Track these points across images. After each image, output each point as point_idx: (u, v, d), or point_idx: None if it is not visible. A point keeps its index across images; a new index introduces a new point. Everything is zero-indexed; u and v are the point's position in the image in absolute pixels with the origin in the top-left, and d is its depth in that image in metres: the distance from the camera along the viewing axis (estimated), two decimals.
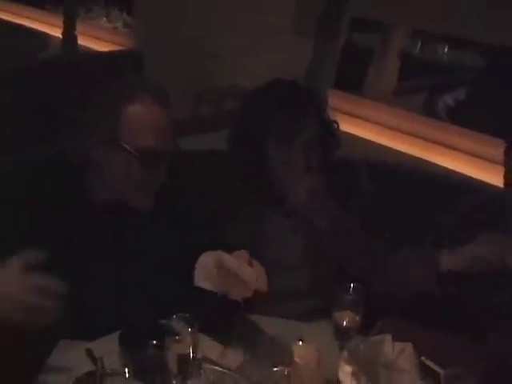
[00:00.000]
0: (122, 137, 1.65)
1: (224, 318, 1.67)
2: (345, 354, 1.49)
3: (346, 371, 1.46)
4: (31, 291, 1.38)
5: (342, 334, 1.55)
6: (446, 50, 5.56)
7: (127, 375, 1.32)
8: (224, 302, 1.59)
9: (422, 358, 1.53)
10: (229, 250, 1.63)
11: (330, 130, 2.02)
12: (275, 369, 1.39)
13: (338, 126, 2.07)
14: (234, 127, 2.04)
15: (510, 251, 1.77)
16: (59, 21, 4.65)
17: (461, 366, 1.40)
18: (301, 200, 1.95)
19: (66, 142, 1.75)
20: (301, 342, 1.52)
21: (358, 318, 1.54)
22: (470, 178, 2.84)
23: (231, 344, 1.64)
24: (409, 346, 1.55)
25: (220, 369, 1.53)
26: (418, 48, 5.46)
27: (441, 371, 1.46)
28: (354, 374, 1.45)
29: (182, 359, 1.42)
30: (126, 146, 1.64)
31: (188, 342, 1.42)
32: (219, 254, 1.60)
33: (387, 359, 1.52)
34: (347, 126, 3.24)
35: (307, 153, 1.92)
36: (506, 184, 1.93)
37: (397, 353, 1.53)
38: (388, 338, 1.56)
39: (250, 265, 1.63)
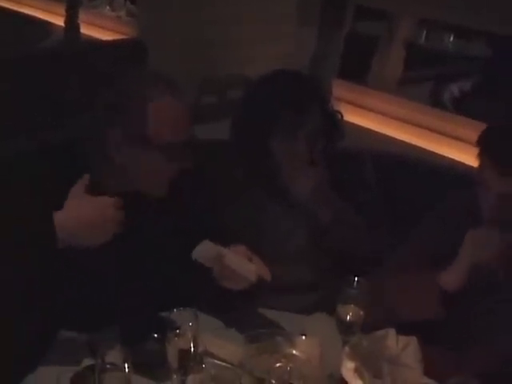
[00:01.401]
0: (146, 132, 1.64)
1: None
2: (346, 349, 1.48)
3: (348, 367, 1.45)
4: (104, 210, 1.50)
5: (345, 329, 1.54)
6: (451, 39, 5.52)
7: (127, 370, 1.30)
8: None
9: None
10: (229, 240, 1.63)
11: (333, 122, 2.00)
12: (278, 364, 1.37)
13: (342, 116, 2.05)
14: (237, 117, 2.03)
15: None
16: (62, 9, 4.63)
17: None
18: (304, 192, 1.93)
19: (80, 131, 1.74)
20: (304, 337, 1.51)
21: (361, 312, 1.53)
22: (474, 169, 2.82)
23: (233, 338, 1.64)
24: (413, 341, 1.53)
25: (221, 363, 1.52)
26: (424, 37, 5.42)
27: None
28: (356, 370, 1.43)
29: (183, 353, 1.40)
30: (150, 140, 1.64)
31: (189, 336, 1.41)
32: (220, 249, 1.59)
33: (391, 353, 1.50)
34: (351, 116, 3.23)
35: (310, 145, 1.90)
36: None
37: (401, 347, 1.52)
38: (392, 332, 1.54)
39: (250, 260, 1.62)
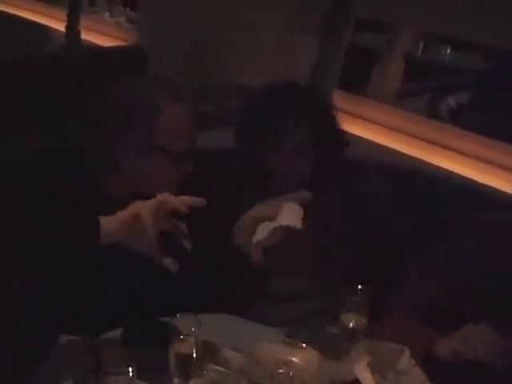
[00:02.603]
0: (155, 139, 1.66)
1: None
2: (364, 345, 1.50)
3: (363, 360, 1.47)
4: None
5: (348, 336, 1.56)
6: (448, 51, 5.55)
7: (131, 374, 1.31)
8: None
9: None
10: None
11: (333, 134, 2.01)
12: (280, 370, 1.38)
13: (341, 129, 2.05)
14: (237, 126, 2.05)
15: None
16: (63, 14, 4.64)
17: None
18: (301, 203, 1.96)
19: (82, 138, 1.75)
20: (304, 344, 1.52)
21: (364, 320, 1.55)
22: (472, 181, 2.84)
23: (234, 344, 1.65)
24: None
25: (222, 369, 1.53)
26: (420, 49, 5.45)
27: None
28: (369, 365, 1.45)
29: (185, 358, 1.42)
30: (159, 147, 1.66)
31: (191, 342, 1.42)
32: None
33: (402, 367, 1.53)
34: (350, 127, 3.25)
35: (305, 158, 1.91)
36: None
37: (411, 365, 1.55)
38: (407, 350, 1.56)
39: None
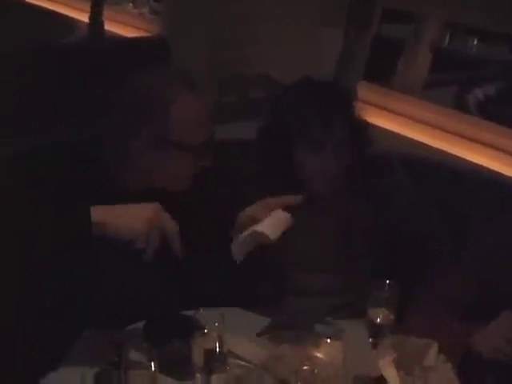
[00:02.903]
0: (169, 132, 1.64)
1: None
2: (389, 341, 1.48)
3: (387, 357, 1.45)
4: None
5: (374, 331, 1.54)
6: (475, 42, 5.47)
7: (153, 368, 1.30)
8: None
9: None
10: None
11: (360, 130, 1.97)
12: (304, 367, 1.36)
13: (368, 124, 2.02)
14: (263, 123, 2.00)
15: None
16: (87, 5, 4.65)
17: None
18: (328, 201, 1.94)
19: (101, 131, 1.74)
20: (329, 340, 1.51)
21: (391, 315, 1.52)
22: (499, 174, 2.80)
23: (257, 339, 1.63)
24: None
25: (246, 364, 1.51)
26: (447, 40, 5.38)
27: None
28: (394, 361, 1.43)
29: (208, 353, 1.40)
30: (174, 141, 1.64)
31: (214, 337, 1.40)
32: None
33: (429, 363, 1.51)
34: (376, 119, 3.22)
35: (337, 155, 1.88)
36: None
37: (440, 361, 1.53)
38: (435, 344, 1.54)
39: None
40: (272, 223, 1.61)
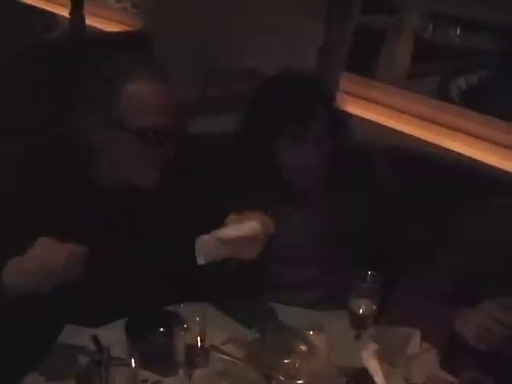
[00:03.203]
0: (121, 116, 1.60)
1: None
2: (371, 332, 1.49)
3: (370, 348, 1.45)
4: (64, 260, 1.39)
5: (358, 323, 1.54)
6: (458, 32, 5.48)
7: (133, 364, 1.29)
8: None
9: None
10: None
11: (340, 122, 1.96)
12: (286, 360, 1.36)
13: (349, 116, 2.01)
14: (242, 119, 1.98)
15: None
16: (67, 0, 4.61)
17: None
18: (310, 194, 1.94)
19: (67, 125, 1.71)
20: (311, 332, 1.50)
21: (374, 306, 1.52)
22: (481, 163, 2.81)
23: (240, 333, 1.62)
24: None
25: (228, 358, 1.50)
26: (430, 30, 5.38)
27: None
28: (375, 353, 1.43)
29: (190, 348, 1.40)
30: (125, 125, 1.60)
31: (196, 331, 1.40)
32: (214, 233, 1.54)
33: (412, 352, 1.51)
34: (358, 110, 3.21)
35: (317, 148, 1.87)
36: None
37: (422, 350, 1.52)
38: (417, 333, 1.54)
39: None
40: (231, 232, 1.53)
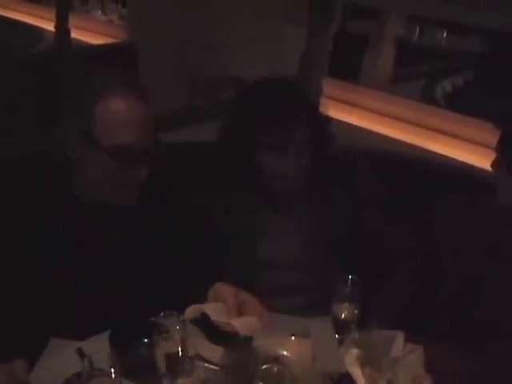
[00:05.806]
0: (93, 133, 1.59)
1: None
2: (353, 337, 1.47)
3: (352, 353, 1.44)
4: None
5: (340, 327, 1.54)
6: (444, 35, 5.50)
7: (113, 375, 1.28)
8: None
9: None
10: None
11: (322, 128, 1.96)
12: (264, 366, 1.35)
13: (331, 122, 2.01)
14: (223, 127, 1.97)
15: None
16: (52, 14, 4.61)
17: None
18: (293, 201, 1.94)
19: (46, 140, 1.71)
20: (293, 337, 1.50)
21: (356, 310, 1.52)
22: (467, 165, 2.81)
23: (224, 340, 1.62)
24: (419, 349, 1.53)
25: (211, 366, 1.50)
26: (417, 34, 5.40)
27: None
28: (358, 359, 1.42)
29: (171, 357, 1.39)
30: (99, 142, 1.59)
31: (176, 340, 1.39)
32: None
33: (396, 354, 1.50)
34: (342, 115, 3.22)
35: (300, 157, 1.86)
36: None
37: (406, 351, 1.51)
38: (400, 335, 1.53)
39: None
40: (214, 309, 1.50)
